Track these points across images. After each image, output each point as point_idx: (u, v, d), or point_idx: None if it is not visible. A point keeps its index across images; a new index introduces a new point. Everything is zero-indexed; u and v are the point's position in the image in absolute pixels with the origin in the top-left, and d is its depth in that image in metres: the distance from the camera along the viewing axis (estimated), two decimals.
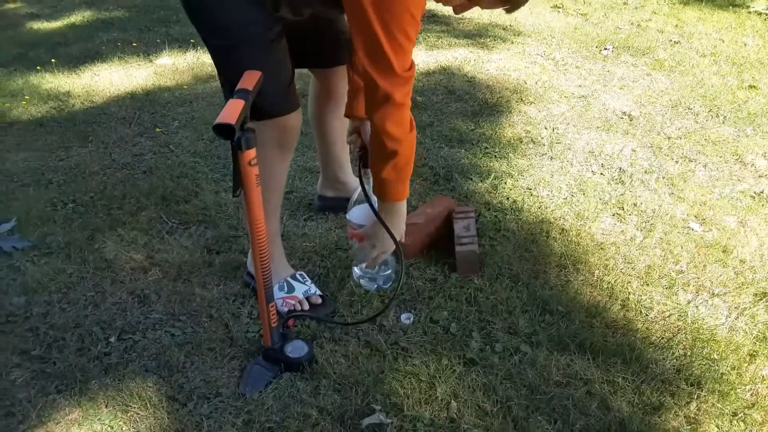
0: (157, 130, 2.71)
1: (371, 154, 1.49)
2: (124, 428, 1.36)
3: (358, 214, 1.69)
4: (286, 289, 1.69)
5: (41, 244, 1.96)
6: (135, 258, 1.90)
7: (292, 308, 1.66)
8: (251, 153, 1.25)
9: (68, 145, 2.64)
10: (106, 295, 1.76)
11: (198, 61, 3.50)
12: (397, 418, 1.34)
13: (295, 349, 1.50)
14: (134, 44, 3.85)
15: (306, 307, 1.67)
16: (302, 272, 1.75)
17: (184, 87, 3.15)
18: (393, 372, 1.46)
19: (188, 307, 1.70)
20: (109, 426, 1.36)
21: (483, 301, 1.67)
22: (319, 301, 1.68)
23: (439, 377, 1.43)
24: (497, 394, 1.39)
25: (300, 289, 1.69)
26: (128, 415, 1.39)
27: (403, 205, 1.56)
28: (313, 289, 1.70)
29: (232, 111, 1.19)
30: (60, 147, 2.62)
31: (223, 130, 1.18)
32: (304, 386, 1.44)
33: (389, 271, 1.75)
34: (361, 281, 1.75)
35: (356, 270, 1.77)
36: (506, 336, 1.56)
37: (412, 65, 1.33)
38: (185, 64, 3.41)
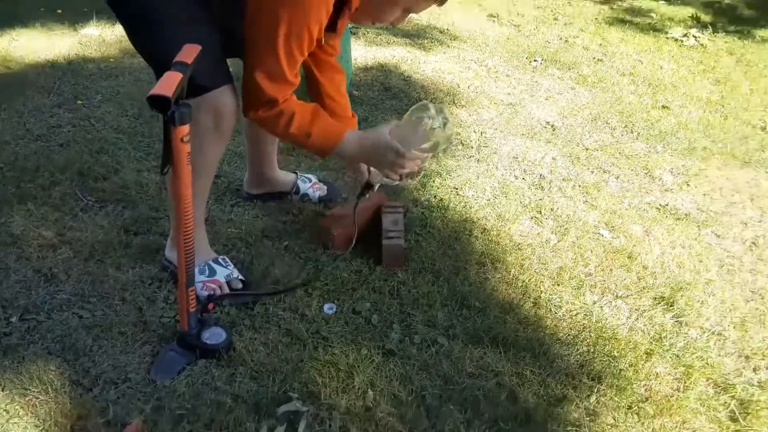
0: (78, 102, 2.58)
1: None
2: (21, 413, 1.29)
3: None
4: (207, 272, 1.66)
5: None
6: (44, 234, 1.80)
7: (212, 292, 1.63)
8: (184, 129, 1.21)
9: None
10: (9, 272, 1.66)
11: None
12: (313, 406, 1.35)
13: (213, 335, 1.47)
14: (59, 11, 3.64)
15: (226, 290, 1.65)
16: (224, 256, 1.72)
17: (111, 60, 3.02)
18: (312, 361, 1.47)
19: (100, 288, 1.64)
20: (5, 410, 1.29)
21: (405, 294, 1.70)
22: (240, 285, 1.67)
23: (358, 367, 1.45)
24: (413, 383, 1.43)
25: (221, 273, 1.67)
26: (26, 399, 1.32)
27: (351, 138, 1.57)
28: (235, 273, 1.68)
29: (168, 83, 1.15)
30: None
31: (158, 102, 1.14)
32: (219, 374, 1.42)
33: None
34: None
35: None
36: (425, 328, 1.60)
37: (297, 74, 1.43)
38: (113, 37, 3.26)
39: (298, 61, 1.40)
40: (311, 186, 2.09)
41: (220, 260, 1.70)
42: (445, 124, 1.58)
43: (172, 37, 1.33)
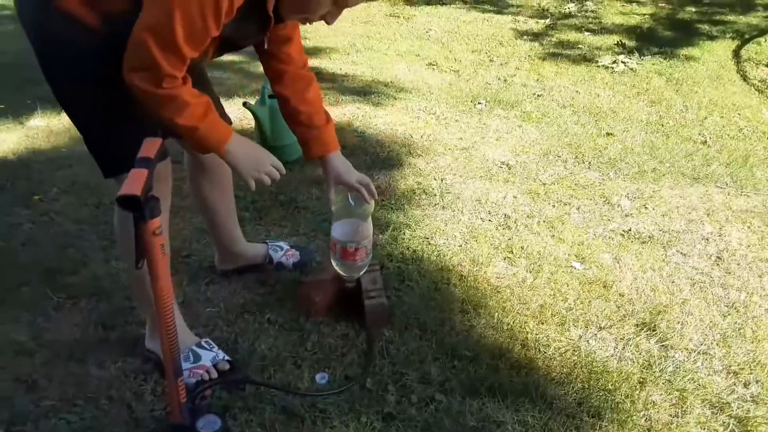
0: (35, 197, 2.52)
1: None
2: None
3: (337, 230, 1.80)
4: (192, 359, 1.62)
5: None
6: (18, 339, 1.73)
7: (200, 378, 1.59)
8: (156, 222, 1.20)
9: None
10: None
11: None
12: None
13: (207, 423, 1.43)
14: (1, 106, 3.57)
15: (214, 374, 1.61)
16: (207, 339, 1.69)
17: (62, 149, 2.96)
18: None
19: (84, 389, 1.58)
20: None
21: (395, 353, 1.70)
22: (227, 366, 1.63)
23: None
24: None
25: (207, 357, 1.63)
26: None
27: (237, 138, 1.47)
28: (221, 355, 1.65)
29: (135, 181, 1.15)
30: None
31: (128, 203, 1.14)
32: None
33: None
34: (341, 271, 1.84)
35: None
36: (421, 386, 1.60)
37: (197, 49, 1.30)
38: (60, 126, 3.21)
39: (198, 33, 1.24)
40: (284, 254, 2.08)
41: (203, 343, 1.66)
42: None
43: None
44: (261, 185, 1.51)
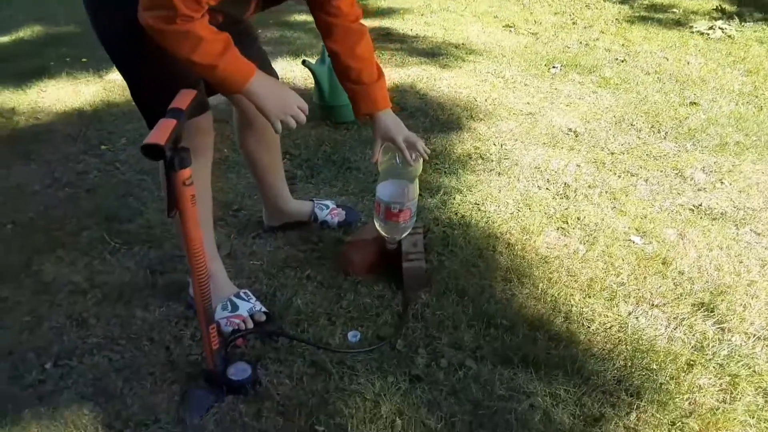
0: (103, 147, 2.65)
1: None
2: None
3: (383, 190, 1.78)
4: (229, 308, 1.66)
5: None
6: (74, 280, 1.84)
7: (237, 327, 1.63)
8: (186, 173, 1.22)
9: (9, 163, 2.56)
10: (42, 319, 1.70)
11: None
12: None
13: (238, 371, 1.47)
14: (84, 60, 3.77)
15: (250, 324, 1.64)
16: (246, 290, 1.72)
17: (134, 104, 3.09)
18: (338, 392, 1.45)
19: (128, 330, 1.65)
20: None
21: (430, 317, 1.67)
22: (263, 318, 1.66)
23: (384, 395, 1.43)
24: (442, 410, 1.39)
25: (244, 307, 1.66)
26: None
27: (261, 76, 1.40)
28: (258, 306, 1.68)
29: (161, 131, 1.16)
30: (0, 166, 2.54)
31: (152, 151, 1.15)
32: (246, 409, 1.41)
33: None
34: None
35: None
36: (451, 351, 1.56)
37: None
38: None
39: None
40: (329, 213, 2.08)
41: (242, 294, 1.70)
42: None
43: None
44: (286, 127, 1.44)
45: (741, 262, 1.89)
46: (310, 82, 3.14)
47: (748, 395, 1.41)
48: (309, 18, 5.16)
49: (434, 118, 2.90)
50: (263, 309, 1.68)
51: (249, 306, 1.67)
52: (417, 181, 1.80)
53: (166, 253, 1.95)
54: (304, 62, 2.70)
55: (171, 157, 1.18)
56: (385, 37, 4.20)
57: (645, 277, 1.82)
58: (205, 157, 1.57)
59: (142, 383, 1.49)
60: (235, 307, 1.66)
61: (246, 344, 1.60)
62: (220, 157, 2.54)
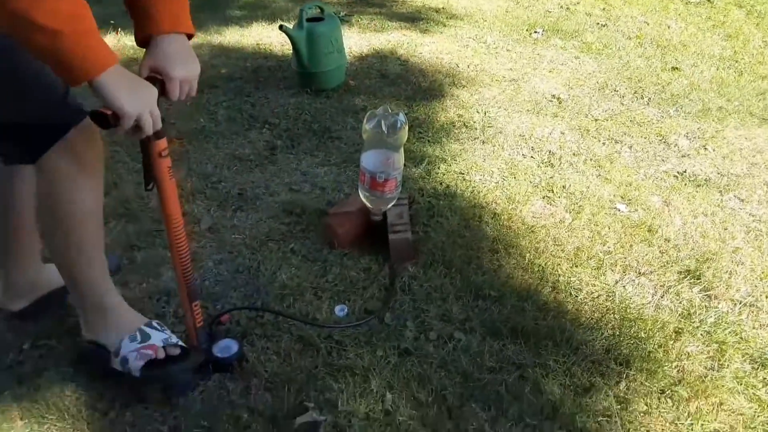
0: None
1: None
2: None
3: (367, 160, 1.75)
4: (139, 338, 1.37)
5: None
6: (49, 257, 1.77)
7: (150, 359, 1.35)
8: (162, 143, 1.17)
9: None
10: None
11: (119, 43, 3.31)
12: (331, 414, 1.31)
13: (224, 348, 1.44)
14: None
15: (162, 356, 1.36)
16: (157, 321, 1.44)
17: None
18: (327, 367, 1.42)
19: None
20: None
21: (417, 289, 1.65)
22: (178, 351, 1.38)
23: (374, 369, 1.41)
24: (432, 383, 1.38)
25: (157, 337, 1.39)
26: (45, 427, 1.30)
27: (119, 67, 1.04)
28: (174, 339, 1.40)
29: None
30: None
31: (99, 118, 1.04)
32: (234, 387, 1.38)
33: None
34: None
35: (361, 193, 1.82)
36: (440, 323, 1.54)
37: None
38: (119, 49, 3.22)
39: None
40: None
41: (154, 324, 1.42)
42: (395, 123, 1.70)
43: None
44: (134, 133, 1.10)
45: (726, 229, 1.90)
46: (287, 49, 3.05)
47: (736, 362, 1.43)
48: None
49: (416, 86, 2.84)
50: (179, 342, 1.40)
51: (163, 336, 1.39)
52: (402, 149, 1.76)
53: (143, 227, 1.89)
54: (281, 27, 2.60)
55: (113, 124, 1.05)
56: (363, 1, 4.09)
57: (631, 245, 1.82)
58: (100, 171, 1.29)
59: None
60: (146, 337, 1.37)
61: (231, 321, 1.57)
62: (197, 126, 2.46)
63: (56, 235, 1.30)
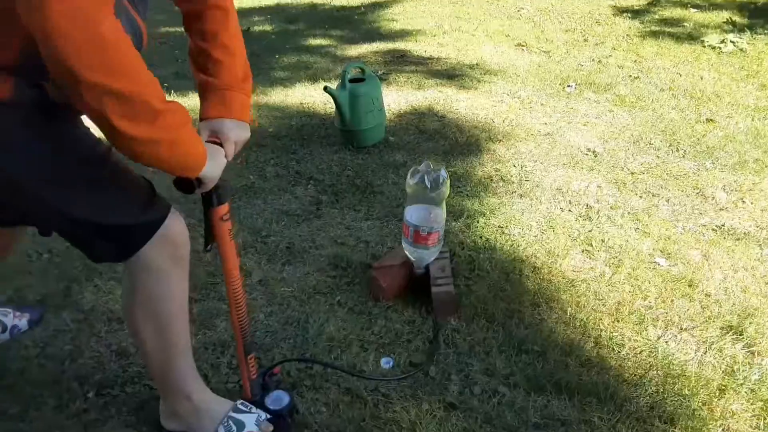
0: None
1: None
2: None
3: (411, 214, 1.83)
4: (235, 429, 1.40)
5: (16, 297, 1.94)
6: (112, 309, 1.88)
7: None
8: (223, 209, 1.25)
9: None
10: (83, 348, 1.74)
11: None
12: None
13: (276, 400, 1.50)
14: None
15: None
16: (241, 400, 1.46)
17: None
18: (374, 419, 1.47)
19: None
20: None
21: (460, 343, 1.70)
22: (271, 428, 1.42)
23: (420, 423, 1.45)
24: None
25: (250, 420, 1.42)
26: None
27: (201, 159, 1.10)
28: (263, 415, 1.43)
29: None
30: None
31: (183, 185, 1.13)
32: None
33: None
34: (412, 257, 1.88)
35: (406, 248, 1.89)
36: (484, 378, 1.58)
37: None
38: None
39: None
40: (14, 317, 1.79)
41: (240, 406, 1.44)
42: (437, 179, 1.79)
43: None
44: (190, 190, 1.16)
45: (767, 284, 1.90)
46: (329, 107, 3.20)
47: None
48: (325, 42, 5.26)
49: (453, 141, 2.94)
50: (267, 416, 1.43)
51: (253, 417, 1.43)
52: (444, 204, 1.84)
53: (199, 280, 1.99)
54: (325, 89, 2.75)
55: (210, 193, 1.20)
56: (401, 59, 4.26)
57: (672, 300, 1.84)
58: (186, 268, 1.31)
59: None
60: (241, 426, 1.40)
61: (282, 372, 1.63)
62: (246, 183, 2.59)
63: (148, 331, 1.30)
